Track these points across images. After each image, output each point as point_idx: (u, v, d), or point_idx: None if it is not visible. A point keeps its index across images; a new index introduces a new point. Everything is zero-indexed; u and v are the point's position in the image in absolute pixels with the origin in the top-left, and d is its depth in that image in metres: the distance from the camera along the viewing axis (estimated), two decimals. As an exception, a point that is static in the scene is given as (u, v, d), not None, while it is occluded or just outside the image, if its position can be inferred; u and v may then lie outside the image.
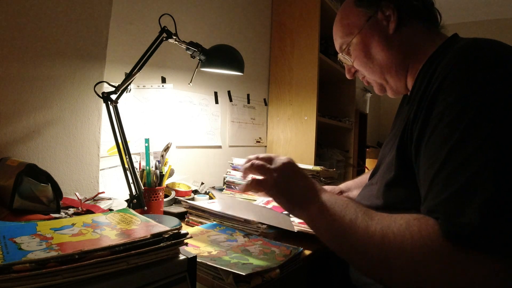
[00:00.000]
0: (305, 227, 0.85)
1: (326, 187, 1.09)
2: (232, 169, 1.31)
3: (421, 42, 0.69)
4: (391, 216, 0.52)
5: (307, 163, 1.53)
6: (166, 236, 0.50)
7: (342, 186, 1.09)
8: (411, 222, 0.49)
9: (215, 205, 1.00)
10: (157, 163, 1.05)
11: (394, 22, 0.70)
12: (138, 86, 1.26)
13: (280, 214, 0.83)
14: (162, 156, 1.07)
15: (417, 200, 0.54)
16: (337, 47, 0.83)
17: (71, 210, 0.81)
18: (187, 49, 1.08)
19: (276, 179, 0.64)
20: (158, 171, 1.04)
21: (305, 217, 0.62)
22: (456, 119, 0.49)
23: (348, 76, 0.84)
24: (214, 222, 0.94)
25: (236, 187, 1.23)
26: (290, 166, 0.65)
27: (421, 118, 0.55)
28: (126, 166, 0.97)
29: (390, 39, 0.71)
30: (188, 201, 1.06)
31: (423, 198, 0.51)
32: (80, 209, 0.82)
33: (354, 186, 1.07)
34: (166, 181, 1.15)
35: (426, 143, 0.53)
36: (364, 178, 1.07)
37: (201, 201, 1.23)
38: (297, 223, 0.88)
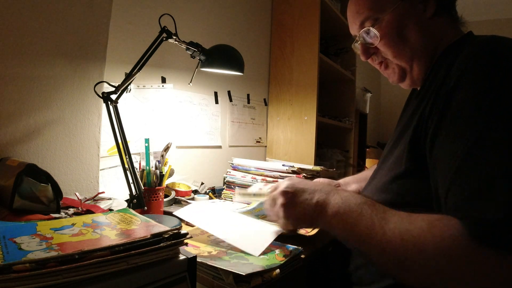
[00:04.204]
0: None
1: (324, 181, 1.08)
2: (232, 169, 1.31)
3: (448, 34, 0.68)
4: (410, 217, 0.51)
5: (307, 163, 1.53)
6: (166, 236, 0.50)
7: (341, 181, 1.08)
8: (433, 223, 0.48)
9: (199, 217, 0.92)
10: (157, 163, 1.05)
11: (433, 8, 0.67)
12: (138, 86, 1.26)
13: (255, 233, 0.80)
14: (162, 156, 1.07)
15: (427, 193, 0.54)
16: (358, 21, 0.73)
17: (71, 210, 0.81)
18: (187, 49, 1.08)
19: (284, 215, 0.67)
20: (158, 171, 1.04)
21: (325, 228, 0.64)
22: (474, 114, 0.49)
23: (363, 58, 0.76)
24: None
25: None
26: (286, 194, 0.67)
27: (438, 113, 0.55)
28: (126, 166, 0.97)
29: (427, 24, 0.68)
30: (188, 200, 1.05)
31: (443, 195, 0.51)
32: (80, 209, 0.82)
33: (352, 181, 1.06)
34: (166, 181, 1.15)
35: (444, 138, 0.53)
36: (364, 174, 1.07)
37: (200, 201, 1.23)
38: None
